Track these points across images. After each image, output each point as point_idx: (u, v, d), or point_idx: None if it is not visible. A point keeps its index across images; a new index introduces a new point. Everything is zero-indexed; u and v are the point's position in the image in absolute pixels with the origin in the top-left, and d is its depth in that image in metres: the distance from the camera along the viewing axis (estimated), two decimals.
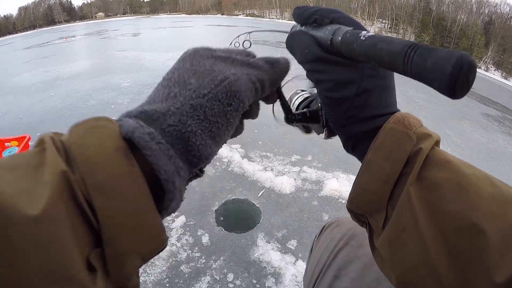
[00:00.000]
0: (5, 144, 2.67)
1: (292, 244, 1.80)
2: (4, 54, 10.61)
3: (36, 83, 5.05)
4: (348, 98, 0.34)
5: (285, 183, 2.33)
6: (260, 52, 0.34)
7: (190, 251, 1.70)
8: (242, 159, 2.67)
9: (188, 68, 0.30)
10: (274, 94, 0.38)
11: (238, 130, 0.36)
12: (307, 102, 0.44)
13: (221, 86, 0.28)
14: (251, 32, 0.48)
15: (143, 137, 0.24)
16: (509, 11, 40.98)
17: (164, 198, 0.25)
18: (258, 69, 0.32)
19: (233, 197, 2.16)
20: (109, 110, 3.59)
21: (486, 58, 39.15)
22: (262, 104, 0.38)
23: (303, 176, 2.46)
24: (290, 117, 0.41)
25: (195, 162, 0.28)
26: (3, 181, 0.20)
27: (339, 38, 0.32)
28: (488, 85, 14.75)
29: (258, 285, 1.54)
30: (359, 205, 0.35)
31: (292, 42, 0.38)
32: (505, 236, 0.26)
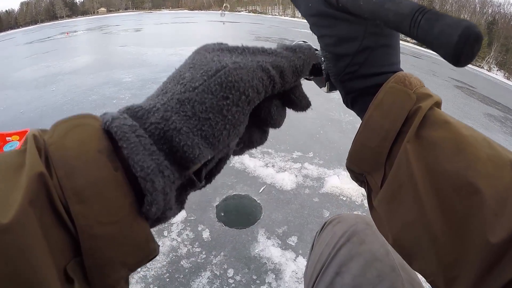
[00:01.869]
0: (6, 138, 2.66)
1: (293, 240, 1.80)
2: (5, 49, 10.59)
3: (37, 78, 5.04)
4: (349, 54, 0.34)
5: (286, 180, 2.33)
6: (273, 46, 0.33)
7: (191, 246, 1.70)
8: (244, 154, 2.67)
9: (188, 62, 0.27)
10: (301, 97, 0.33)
11: (256, 138, 0.32)
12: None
13: (215, 77, 0.24)
14: None
15: (121, 127, 0.21)
16: None
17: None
18: (276, 55, 0.29)
19: (234, 193, 2.16)
20: (110, 105, 3.58)
21: (489, 58, 38.96)
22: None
23: (304, 173, 2.46)
24: None
25: (184, 164, 0.24)
26: None
27: None
28: (491, 85, 14.69)
29: (258, 281, 1.54)
30: (358, 163, 0.35)
31: None
32: (501, 198, 0.26)
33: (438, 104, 0.33)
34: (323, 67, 0.40)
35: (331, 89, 0.41)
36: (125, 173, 0.22)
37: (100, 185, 0.20)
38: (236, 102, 0.25)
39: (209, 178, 0.30)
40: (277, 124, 0.32)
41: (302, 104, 0.33)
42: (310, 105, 0.34)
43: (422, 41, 0.25)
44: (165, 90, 0.25)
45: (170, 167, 0.23)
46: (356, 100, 0.36)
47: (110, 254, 0.21)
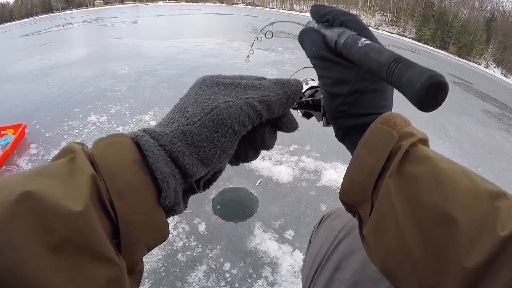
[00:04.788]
0: (1, 132, 2.64)
1: (290, 234, 1.80)
2: (0, 42, 10.45)
3: (32, 70, 4.98)
4: (342, 94, 0.39)
5: (283, 173, 2.32)
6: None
7: (187, 240, 1.69)
8: None
9: (192, 96, 0.34)
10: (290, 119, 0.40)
11: (250, 155, 0.39)
12: (313, 91, 0.50)
13: (210, 115, 0.32)
14: (273, 23, 0.53)
15: (148, 142, 0.29)
16: None
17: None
18: (264, 90, 0.35)
19: (230, 186, 2.15)
20: (106, 98, 3.54)
21: (486, 54, 39.04)
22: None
23: (301, 166, 2.45)
24: (297, 102, 0.47)
25: (186, 175, 0.32)
26: (46, 186, 0.24)
27: (342, 41, 0.37)
28: (488, 82, 14.76)
29: (254, 275, 1.53)
30: (349, 195, 0.39)
31: (303, 38, 0.43)
32: (477, 226, 0.28)
33: (423, 141, 0.37)
34: (321, 103, 0.45)
35: (327, 123, 0.46)
36: (151, 177, 0.29)
37: (134, 187, 0.28)
38: (224, 134, 0.32)
39: (207, 185, 0.38)
40: (269, 147, 0.38)
41: (289, 129, 0.40)
42: (297, 127, 0.40)
43: (395, 87, 0.29)
44: (173, 120, 0.33)
45: (179, 173, 0.31)
46: (345, 136, 0.41)
47: (139, 236, 0.28)
